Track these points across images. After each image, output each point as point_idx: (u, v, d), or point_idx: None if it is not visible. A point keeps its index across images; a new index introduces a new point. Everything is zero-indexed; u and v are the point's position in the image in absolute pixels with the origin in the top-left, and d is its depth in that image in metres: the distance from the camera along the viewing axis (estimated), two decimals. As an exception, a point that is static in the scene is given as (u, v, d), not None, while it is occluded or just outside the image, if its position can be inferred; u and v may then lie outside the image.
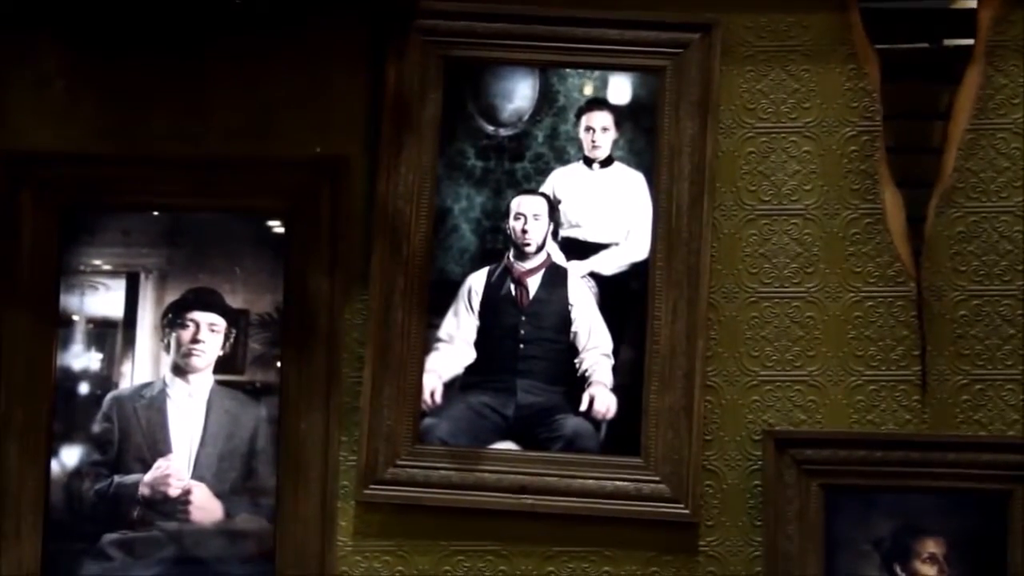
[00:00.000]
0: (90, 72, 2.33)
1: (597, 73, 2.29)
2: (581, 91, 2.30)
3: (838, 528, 2.20)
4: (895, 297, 2.25)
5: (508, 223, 2.28)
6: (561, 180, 2.29)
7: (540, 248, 2.28)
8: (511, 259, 2.29)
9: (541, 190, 2.29)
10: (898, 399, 2.24)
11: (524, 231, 2.28)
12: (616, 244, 2.27)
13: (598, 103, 2.29)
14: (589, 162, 2.29)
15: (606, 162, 2.29)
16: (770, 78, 2.28)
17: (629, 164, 2.29)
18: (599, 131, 2.28)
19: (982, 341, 2.23)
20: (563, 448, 2.24)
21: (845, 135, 2.27)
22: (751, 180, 2.28)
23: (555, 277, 2.28)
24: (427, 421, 2.26)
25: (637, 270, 2.26)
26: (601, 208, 2.28)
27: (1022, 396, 2.22)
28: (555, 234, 2.29)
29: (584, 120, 2.29)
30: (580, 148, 2.29)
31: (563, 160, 2.29)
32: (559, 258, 2.29)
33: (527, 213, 2.28)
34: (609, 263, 2.27)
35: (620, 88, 2.29)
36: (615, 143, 2.29)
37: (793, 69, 2.28)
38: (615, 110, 2.29)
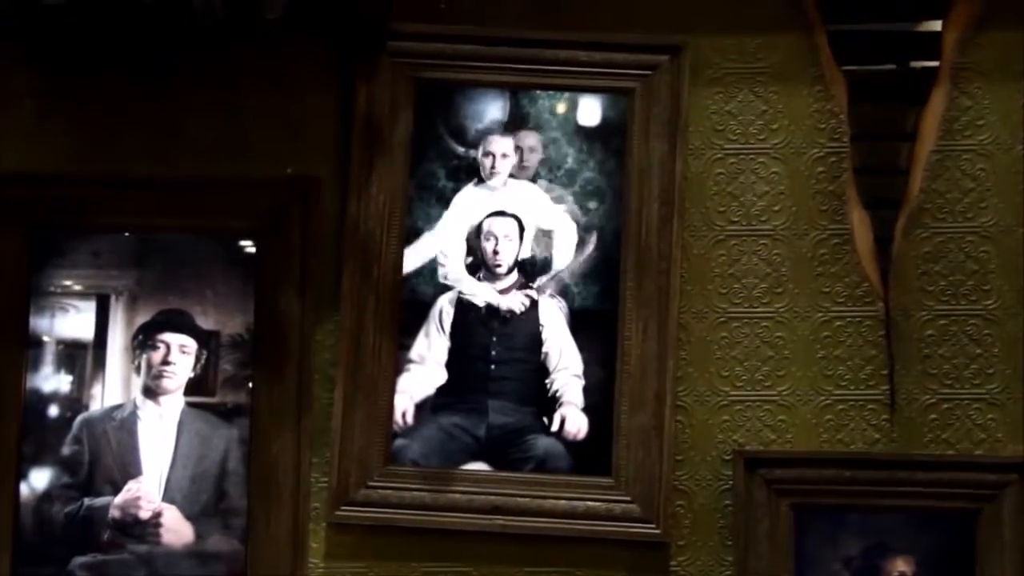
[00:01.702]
0: (60, 91, 2.33)
1: (567, 94, 2.30)
2: (551, 112, 2.30)
3: (808, 547, 2.21)
4: (863, 317, 2.26)
5: (480, 244, 2.29)
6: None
7: (511, 269, 2.29)
8: (482, 279, 2.29)
9: (511, 212, 2.29)
10: (867, 418, 2.25)
11: (495, 252, 2.29)
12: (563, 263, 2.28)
13: (503, 128, 2.30)
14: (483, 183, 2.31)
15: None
16: (738, 99, 2.30)
17: (600, 186, 2.29)
18: (499, 157, 2.29)
19: (949, 360, 2.25)
20: (535, 468, 2.24)
21: (813, 156, 2.29)
22: (720, 201, 2.29)
23: (524, 292, 2.28)
24: (399, 442, 2.25)
25: (606, 291, 2.26)
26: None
27: (989, 415, 2.24)
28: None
29: (483, 146, 2.30)
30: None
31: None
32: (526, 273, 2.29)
33: (498, 234, 2.29)
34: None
35: (589, 109, 2.30)
36: (582, 162, 2.29)
37: (761, 91, 2.29)
38: (518, 137, 2.30)
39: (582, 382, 2.25)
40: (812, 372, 2.25)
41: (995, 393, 2.24)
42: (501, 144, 2.30)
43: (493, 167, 2.29)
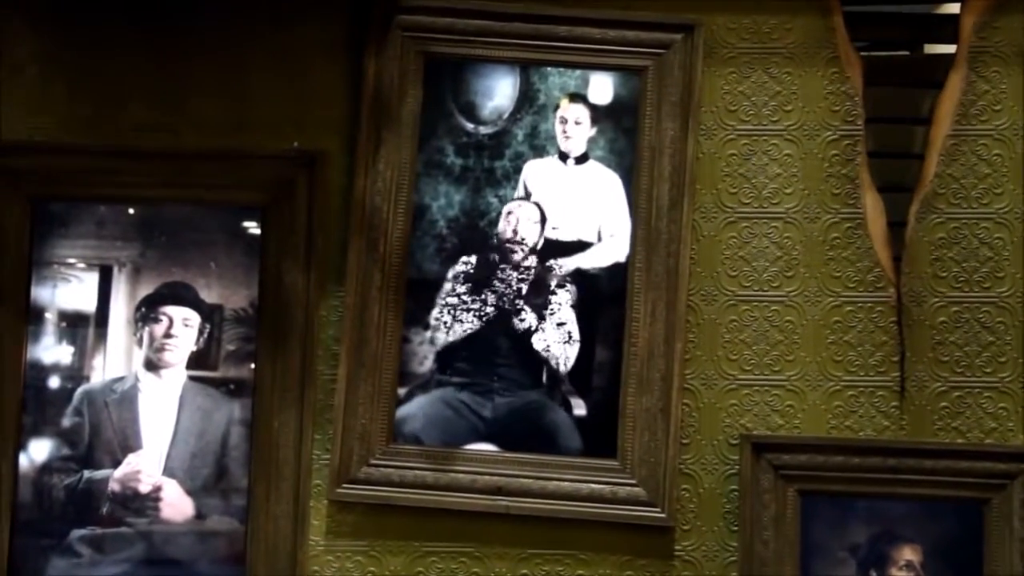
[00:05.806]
0: (65, 61, 2.30)
1: (578, 72, 2.28)
2: (562, 90, 2.28)
3: (814, 534, 2.19)
4: (875, 302, 2.24)
5: (498, 226, 2.26)
6: (535, 174, 2.27)
7: (531, 252, 2.26)
8: (495, 257, 2.26)
9: (533, 200, 2.27)
10: (876, 405, 2.23)
11: (516, 235, 2.25)
12: (594, 244, 2.25)
13: (576, 97, 2.28)
14: (564, 157, 2.27)
15: (581, 159, 2.27)
16: (752, 80, 2.27)
17: (609, 164, 2.27)
18: (572, 123, 2.27)
19: (961, 348, 2.23)
20: (539, 449, 2.22)
21: (827, 139, 2.26)
22: (732, 182, 2.27)
23: (538, 275, 2.26)
24: (400, 414, 2.22)
25: (615, 271, 2.24)
26: (577, 206, 2.26)
27: (1000, 404, 2.21)
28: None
29: (559, 112, 2.27)
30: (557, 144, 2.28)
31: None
32: (541, 257, 2.26)
33: (520, 217, 2.26)
34: (587, 263, 2.25)
35: (601, 87, 2.27)
36: (592, 140, 2.27)
37: (775, 71, 2.27)
38: (593, 106, 2.27)
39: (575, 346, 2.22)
40: (822, 357, 2.23)
41: (1007, 382, 2.22)
42: (574, 111, 2.27)
43: (566, 134, 2.26)
